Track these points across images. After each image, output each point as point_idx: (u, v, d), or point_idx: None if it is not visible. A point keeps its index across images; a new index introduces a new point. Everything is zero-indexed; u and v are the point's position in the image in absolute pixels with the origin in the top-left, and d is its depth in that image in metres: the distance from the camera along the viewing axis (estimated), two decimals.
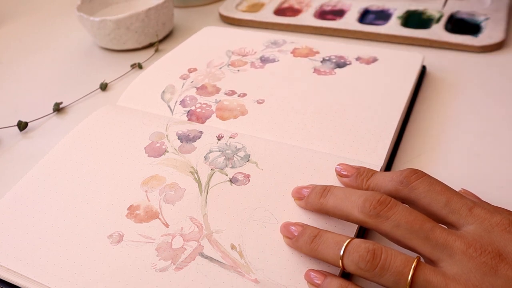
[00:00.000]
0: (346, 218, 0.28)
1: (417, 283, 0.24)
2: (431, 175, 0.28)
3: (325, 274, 0.27)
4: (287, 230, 0.30)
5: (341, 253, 0.26)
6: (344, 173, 0.32)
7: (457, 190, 0.28)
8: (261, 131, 0.40)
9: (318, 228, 0.29)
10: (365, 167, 0.32)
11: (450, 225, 0.26)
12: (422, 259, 0.25)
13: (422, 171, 0.28)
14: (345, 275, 0.29)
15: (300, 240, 0.28)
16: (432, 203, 0.27)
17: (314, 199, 0.30)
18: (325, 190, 0.30)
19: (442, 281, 0.23)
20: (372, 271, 0.25)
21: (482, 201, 0.29)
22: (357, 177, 0.31)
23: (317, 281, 0.27)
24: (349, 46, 0.51)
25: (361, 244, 0.25)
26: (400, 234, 0.25)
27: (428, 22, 0.57)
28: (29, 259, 0.31)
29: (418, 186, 0.27)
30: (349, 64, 0.47)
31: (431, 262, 0.25)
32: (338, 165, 0.33)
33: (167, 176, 0.36)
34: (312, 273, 0.27)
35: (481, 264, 0.23)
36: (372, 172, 0.31)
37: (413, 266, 0.24)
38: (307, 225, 0.29)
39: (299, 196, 0.32)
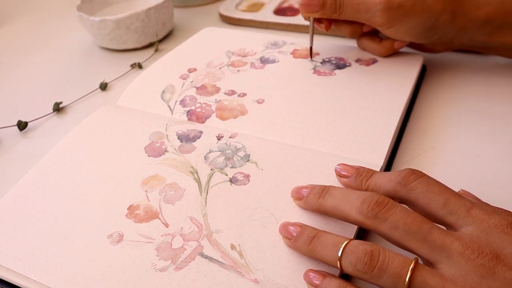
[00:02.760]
0: (344, 218, 0.28)
1: (415, 284, 0.24)
2: (430, 176, 0.28)
3: (324, 275, 0.27)
4: (285, 231, 0.30)
5: (339, 254, 0.26)
6: (343, 173, 0.32)
7: (456, 190, 0.28)
8: (261, 131, 0.40)
9: (316, 229, 0.29)
10: (364, 167, 0.32)
11: (448, 226, 0.26)
12: (420, 261, 0.25)
13: (420, 172, 0.28)
14: (345, 275, 0.29)
15: (299, 241, 0.28)
16: (430, 204, 0.27)
17: (313, 199, 0.30)
18: (324, 190, 0.30)
19: (439, 283, 0.23)
20: (370, 273, 0.25)
21: (481, 201, 0.29)
22: (356, 178, 0.31)
23: (316, 282, 0.27)
24: (349, 48, 0.51)
25: (359, 246, 0.25)
26: (398, 236, 0.26)
27: None
28: (29, 259, 0.31)
29: (417, 186, 0.27)
30: (349, 65, 0.47)
31: (429, 263, 0.25)
32: (338, 165, 0.33)
33: (167, 176, 0.36)
34: (311, 274, 0.27)
35: (479, 266, 0.23)
36: (371, 172, 0.31)
37: (410, 268, 0.24)
38: (306, 225, 0.29)
39: (299, 196, 0.32)
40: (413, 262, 0.24)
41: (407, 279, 0.24)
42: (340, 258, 0.26)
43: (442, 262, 0.24)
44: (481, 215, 0.25)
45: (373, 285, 0.25)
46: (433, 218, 0.26)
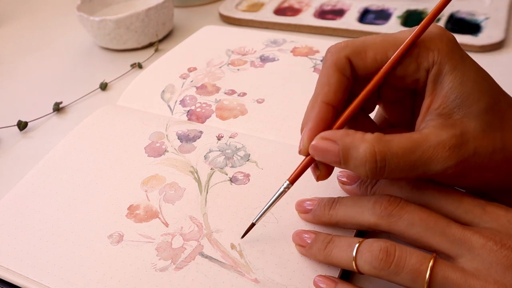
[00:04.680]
0: (357, 224, 0.28)
1: (436, 280, 0.23)
2: None
3: (336, 281, 0.27)
4: (300, 238, 0.29)
5: (354, 254, 0.25)
6: (344, 179, 0.32)
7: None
8: (261, 131, 0.40)
9: (330, 234, 0.28)
10: None
11: (465, 225, 0.25)
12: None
13: None
14: (345, 278, 0.29)
15: (314, 247, 0.28)
16: (444, 205, 0.26)
17: (323, 212, 0.29)
18: (334, 201, 0.29)
19: (461, 277, 0.23)
20: (387, 270, 0.24)
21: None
22: (360, 185, 0.31)
23: None
24: None
25: (374, 243, 0.25)
26: (415, 232, 0.25)
27: None
28: (29, 259, 0.31)
29: (428, 190, 0.27)
30: None
31: (449, 258, 0.24)
32: (340, 172, 0.32)
33: (167, 175, 0.36)
34: (321, 280, 0.27)
35: (503, 258, 0.23)
36: (375, 180, 0.30)
37: (430, 263, 0.23)
38: (319, 232, 0.29)
39: (303, 210, 0.31)
40: (433, 257, 0.24)
41: (427, 275, 0.23)
42: (355, 258, 0.25)
43: (463, 256, 0.24)
44: (497, 210, 0.25)
45: (392, 283, 0.24)
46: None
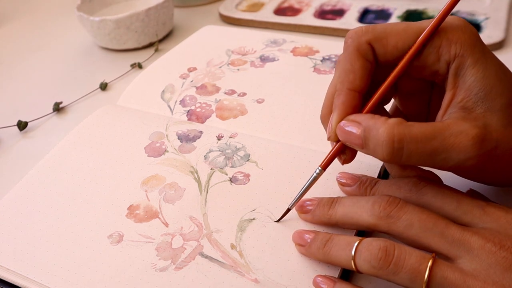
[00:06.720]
0: (356, 225, 0.28)
1: (434, 280, 0.23)
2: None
3: (334, 280, 0.27)
4: (300, 238, 0.29)
5: (353, 253, 0.25)
6: (344, 181, 0.32)
7: (462, 190, 0.28)
8: (261, 131, 0.40)
9: (330, 233, 0.28)
10: (366, 176, 0.31)
11: (464, 226, 0.25)
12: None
13: (428, 177, 0.28)
14: (345, 278, 0.29)
15: (313, 246, 0.28)
16: (443, 206, 0.26)
17: (322, 211, 0.29)
18: (334, 201, 0.29)
19: (459, 277, 0.23)
20: (385, 269, 0.24)
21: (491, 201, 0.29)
22: (360, 186, 0.31)
23: None
24: None
25: (372, 242, 0.25)
26: (414, 233, 0.25)
27: None
28: (29, 259, 0.31)
29: (428, 191, 0.27)
30: None
31: (448, 259, 0.24)
32: (339, 173, 0.32)
33: (167, 175, 0.36)
34: (321, 280, 0.27)
35: (502, 259, 0.23)
36: (375, 181, 0.30)
37: (429, 263, 0.23)
38: (319, 231, 0.29)
39: (303, 210, 0.31)
40: (432, 257, 0.24)
41: (426, 275, 0.23)
42: (354, 257, 0.25)
43: (462, 257, 0.24)
44: (497, 211, 0.25)
45: (391, 282, 0.24)
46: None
